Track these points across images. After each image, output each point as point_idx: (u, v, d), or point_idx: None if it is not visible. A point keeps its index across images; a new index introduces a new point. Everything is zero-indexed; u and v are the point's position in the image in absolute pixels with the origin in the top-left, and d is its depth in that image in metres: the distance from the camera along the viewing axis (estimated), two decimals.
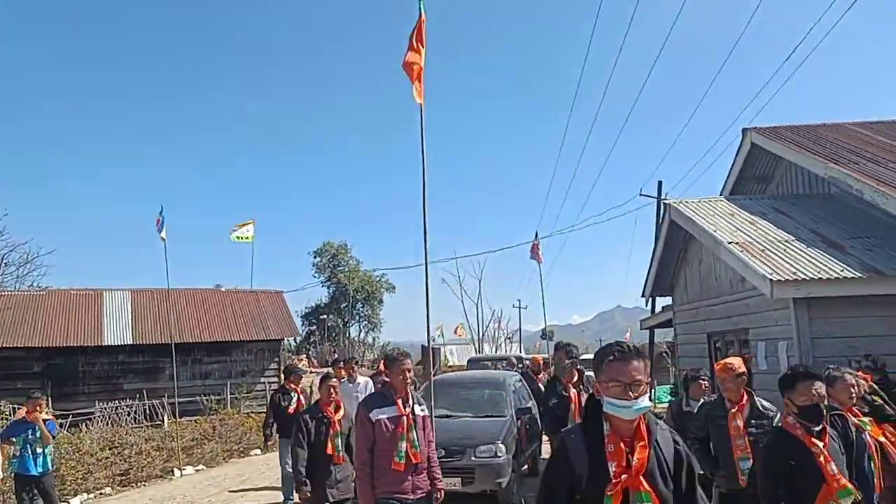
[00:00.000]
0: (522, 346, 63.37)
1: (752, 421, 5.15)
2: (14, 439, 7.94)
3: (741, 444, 5.05)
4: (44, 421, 8.13)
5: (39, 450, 8.04)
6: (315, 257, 67.51)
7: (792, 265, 8.10)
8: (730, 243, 8.95)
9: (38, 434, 8.03)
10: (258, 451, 16.35)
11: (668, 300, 15.34)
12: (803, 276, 7.75)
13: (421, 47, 6.02)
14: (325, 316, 64.26)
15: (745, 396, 5.22)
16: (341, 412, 6.07)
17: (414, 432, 4.84)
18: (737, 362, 5.24)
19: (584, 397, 6.48)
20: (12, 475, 7.85)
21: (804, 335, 7.97)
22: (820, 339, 7.96)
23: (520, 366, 24.08)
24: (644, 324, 20.39)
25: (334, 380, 6.04)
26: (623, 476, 2.48)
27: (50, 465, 8.29)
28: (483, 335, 47.20)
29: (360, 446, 4.87)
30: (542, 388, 12.97)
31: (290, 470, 9.06)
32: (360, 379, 10.15)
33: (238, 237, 32.17)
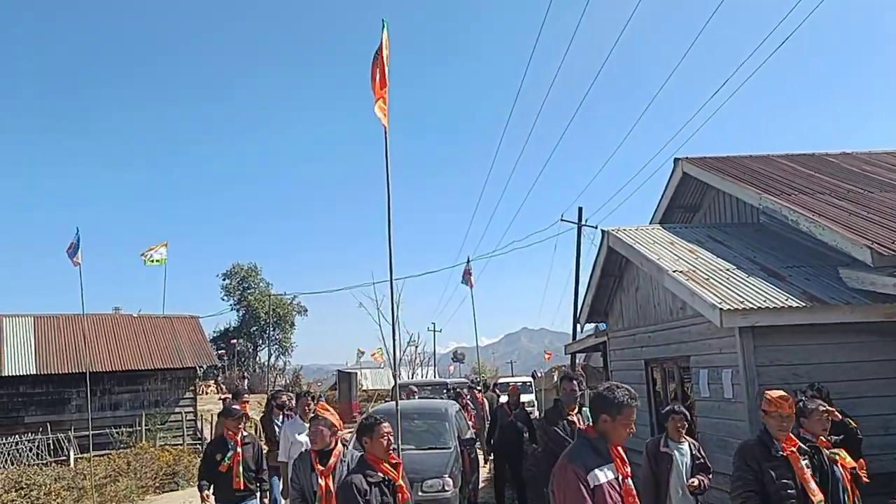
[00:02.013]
0: (437, 370, 63.28)
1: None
2: None
3: (813, 487, 4.58)
4: None
5: None
6: (224, 279, 65.77)
7: (738, 294, 8.23)
8: (674, 272, 9.05)
9: None
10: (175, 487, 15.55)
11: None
12: (751, 306, 7.87)
13: (385, 69, 5.84)
14: (235, 340, 62.49)
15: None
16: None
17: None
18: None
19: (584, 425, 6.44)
20: None
21: (749, 363, 8.07)
22: (764, 367, 8.08)
23: (446, 392, 23.80)
24: (569, 348, 20.67)
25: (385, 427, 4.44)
26: None
27: None
28: (400, 359, 46.79)
29: None
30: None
31: None
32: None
33: (150, 260, 30.89)
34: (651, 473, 6.16)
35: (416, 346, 54.56)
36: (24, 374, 20.71)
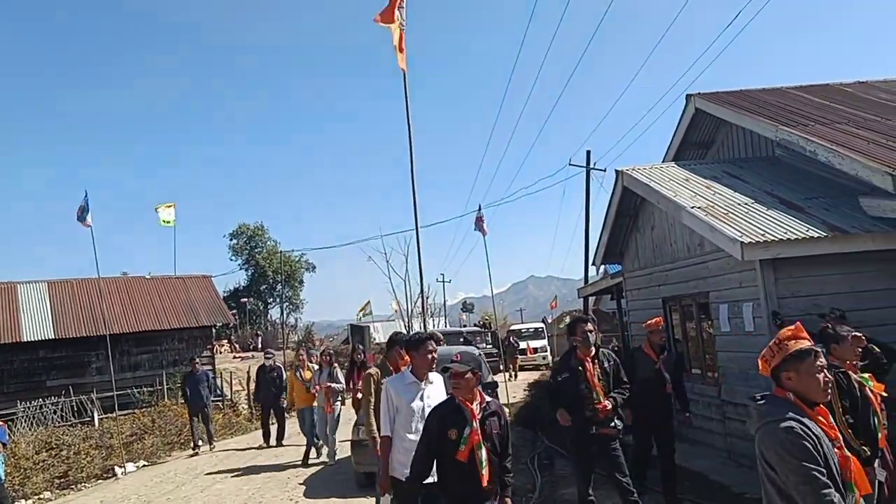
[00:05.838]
0: (447, 320, 63.74)
1: None
2: None
3: None
4: None
5: None
6: (231, 239, 65.86)
7: (758, 227, 8.19)
8: (693, 208, 9.00)
9: None
10: (201, 443, 15.76)
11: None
12: (772, 238, 7.84)
13: (401, 9, 5.72)
14: (245, 299, 62.82)
15: None
16: None
17: None
18: None
19: (598, 371, 6.35)
20: None
21: (771, 295, 8.07)
22: (785, 299, 8.09)
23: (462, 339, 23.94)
24: (582, 292, 20.68)
25: None
26: None
27: (2, 474, 7.68)
28: (411, 311, 47.05)
29: None
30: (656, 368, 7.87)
31: None
32: (433, 376, 5.20)
33: (163, 221, 31.05)
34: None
35: (427, 297, 54.85)
36: (43, 338, 20.93)
